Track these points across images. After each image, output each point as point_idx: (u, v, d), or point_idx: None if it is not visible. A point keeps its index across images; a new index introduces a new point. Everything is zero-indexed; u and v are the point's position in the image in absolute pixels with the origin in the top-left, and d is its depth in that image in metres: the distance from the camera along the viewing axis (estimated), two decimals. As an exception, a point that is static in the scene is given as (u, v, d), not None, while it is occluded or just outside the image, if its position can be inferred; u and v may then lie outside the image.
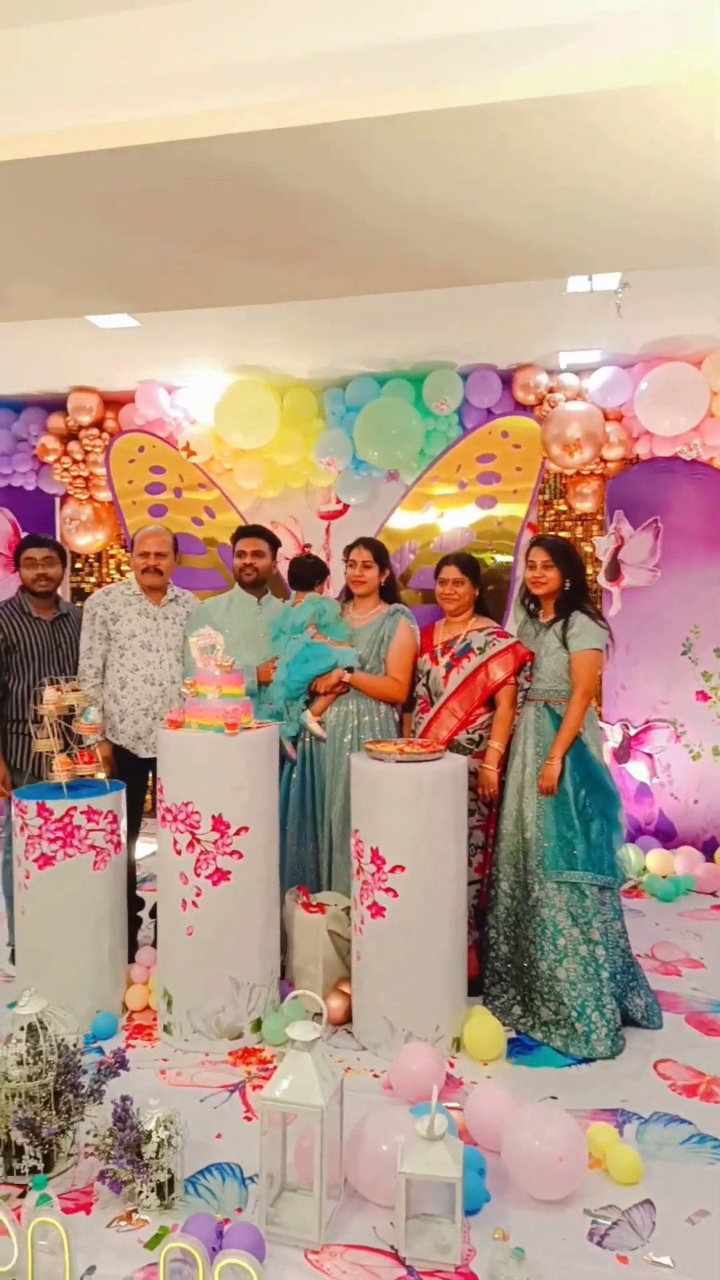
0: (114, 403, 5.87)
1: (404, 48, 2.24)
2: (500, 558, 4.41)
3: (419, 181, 2.63)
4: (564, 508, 5.71)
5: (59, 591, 3.98)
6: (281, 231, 3.00)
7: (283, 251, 3.18)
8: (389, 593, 3.92)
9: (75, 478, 5.91)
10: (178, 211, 2.83)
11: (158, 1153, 2.32)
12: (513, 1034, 3.29)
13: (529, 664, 3.52)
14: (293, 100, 2.32)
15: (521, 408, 5.32)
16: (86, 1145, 2.50)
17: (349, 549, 3.88)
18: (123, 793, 3.50)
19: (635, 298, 3.99)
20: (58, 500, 6.22)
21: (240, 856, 3.17)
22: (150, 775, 3.82)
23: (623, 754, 5.41)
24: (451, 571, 3.69)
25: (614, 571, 5.38)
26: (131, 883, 3.79)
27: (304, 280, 3.51)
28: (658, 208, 2.82)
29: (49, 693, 3.39)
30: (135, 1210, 2.33)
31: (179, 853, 3.17)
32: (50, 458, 5.88)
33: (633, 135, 2.38)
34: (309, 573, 3.93)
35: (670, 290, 4.08)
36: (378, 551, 3.83)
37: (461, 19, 2.20)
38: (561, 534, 5.66)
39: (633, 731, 5.43)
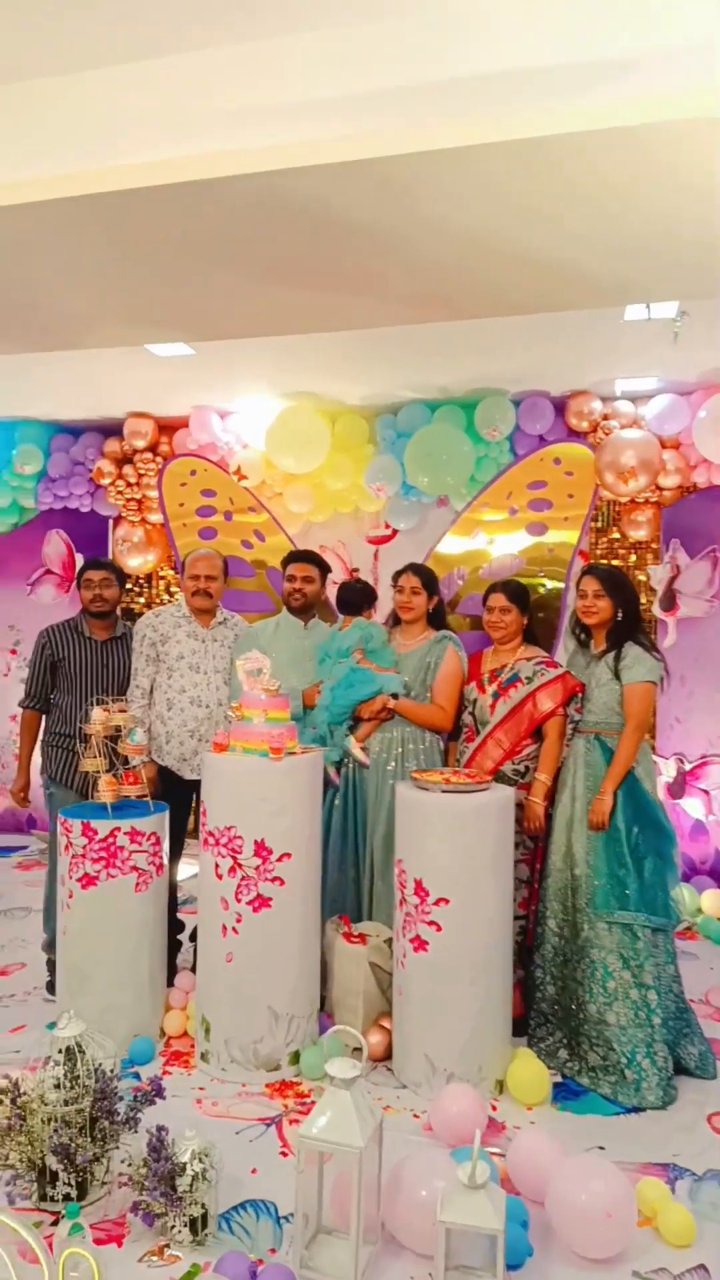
0: (168, 427, 5.95)
1: (459, 83, 2.26)
2: (550, 584, 4.34)
3: (475, 213, 2.64)
4: (618, 535, 5.63)
5: (118, 614, 4.04)
6: (341, 263, 3.02)
7: (342, 282, 3.20)
8: (437, 619, 3.87)
9: (129, 500, 5.99)
10: (240, 244, 2.87)
11: (192, 1186, 2.27)
12: (558, 1078, 3.18)
13: (579, 695, 3.44)
14: (351, 135, 2.34)
15: (575, 434, 5.26)
16: (120, 1174, 2.46)
17: (397, 575, 3.85)
18: (166, 815, 3.49)
19: (694, 325, 3.93)
20: (111, 522, 6.31)
21: (282, 883, 3.12)
22: (194, 797, 3.81)
23: (677, 789, 5.27)
24: (499, 599, 3.63)
25: (669, 601, 5.27)
26: (173, 905, 3.78)
27: (363, 310, 3.53)
28: (713, 238, 2.78)
29: (96, 713, 3.42)
30: (167, 1245, 2.28)
31: (220, 877, 3.14)
32: (105, 481, 5.97)
33: (687, 166, 2.35)
34: (357, 597, 3.90)
35: (731, 317, 4.01)
36: (426, 578, 3.79)
37: (516, 54, 2.21)
38: (615, 562, 5.57)
39: (688, 766, 5.28)
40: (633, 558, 5.63)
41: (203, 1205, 2.28)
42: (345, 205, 2.59)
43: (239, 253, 2.95)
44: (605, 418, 5.24)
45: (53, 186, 2.59)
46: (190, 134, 2.46)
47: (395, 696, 3.65)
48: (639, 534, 5.49)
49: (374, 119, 2.33)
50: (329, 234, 2.78)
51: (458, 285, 3.23)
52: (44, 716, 3.96)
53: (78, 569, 4.03)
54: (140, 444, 5.88)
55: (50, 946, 3.82)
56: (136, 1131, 2.44)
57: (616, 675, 3.27)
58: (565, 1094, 3.10)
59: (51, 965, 3.79)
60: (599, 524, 5.64)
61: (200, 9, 2.23)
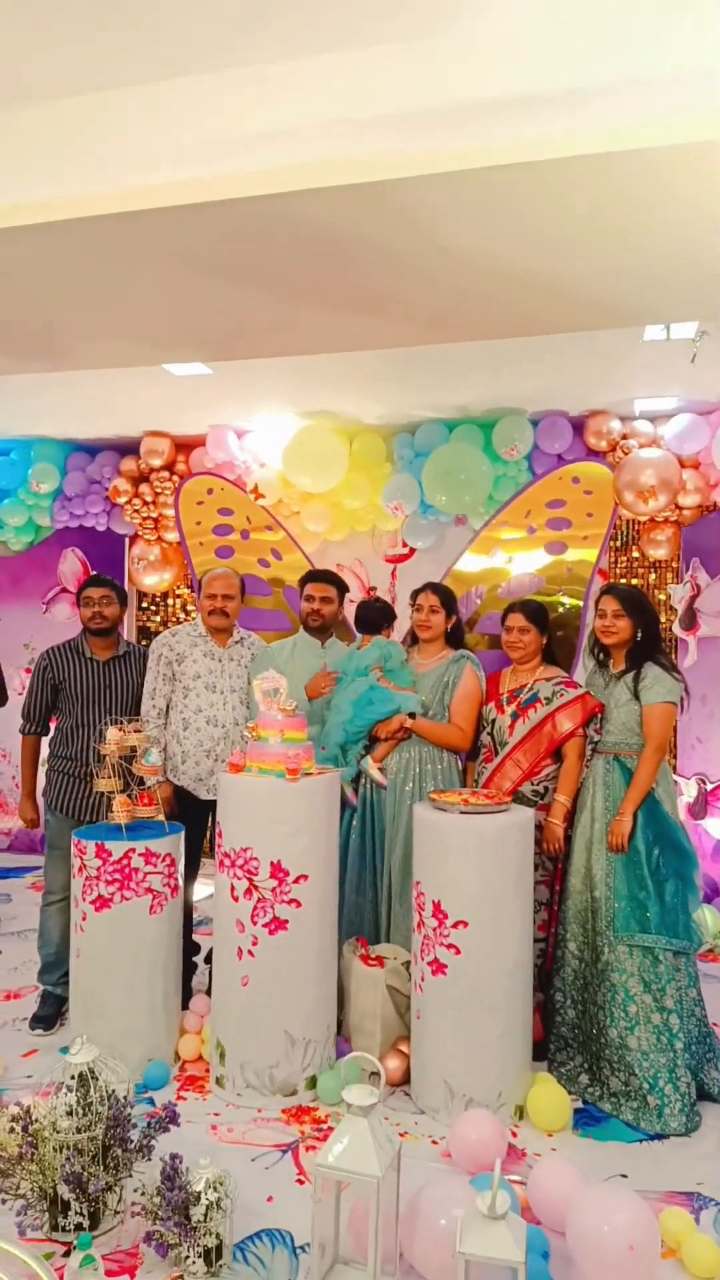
0: (185, 446, 5.98)
1: (471, 106, 2.25)
2: (568, 601, 4.31)
3: (488, 235, 2.64)
4: (637, 554, 5.60)
5: (121, 632, 4.01)
6: (356, 283, 3.03)
7: (358, 302, 3.21)
8: (455, 638, 3.85)
9: (145, 519, 6.00)
10: (256, 264, 2.88)
11: (206, 1215, 2.23)
12: (579, 1104, 3.13)
13: (598, 716, 3.40)
14: (366, 157, 2.35)
15: (593, 454, 5.24)
16: (133, 1204, 2.43)
17: (415, 594, 3.83)
18: (181, 836, 3.47)
19: (714, 344, 3.91)
20: (127, 540, 6.33)
21: (299, 905, 3.09)
22: (210, 817, 3.79)
23: (698, 810, 5.21)
24: (518, 619, 3.60)
25: (690, 620, 5.22)
26: (188, 927, 3.75)
27: (378, 330, 3.53)
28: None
29: (111, 733, 3.40)
30: (181, 1276, 2.24)
31: (236, 899, 3.11)
32: (122, 499, 5.99)
33: (700, 189, 2.34)
34: (377, 616, 3.89)
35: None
36: (445, 597, 3.77)
37: (530, 76, 2.21)
38: (634, 581, 5.55)
39: (709, 786, 5.22)
40: (652, 576, 5.60)
41: (217, 1235, 2.25)
42: (361, 226, 2.59)
43: (256, 273, 2.96)
44: (624, 437, 5.22)
45: (69, 207, 2.60)
46: (207, 155, 2.47)
47: (413, 716, 3.63)
48: (659, 553, 5.45)
49: (388, 141, 2.33)
50: (345, 255, 2.79)
51: (473, 306, 3.23)
52: (46, 740, 3.93)
53: (79, 587, 3.97)
54: (157, 463, 5.90)
55: (41, 974, 3.79)
56: (150, 1159, 2.40)
57: (636, 695, 3.24)
58: (586, 1120, 3.04)
59: (45, 996, 3.75)
60: (618, 543, 5.61)
61: (219, 32, 2.24)
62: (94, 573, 5.98)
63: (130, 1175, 2.41)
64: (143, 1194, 2.32)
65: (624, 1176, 2.71)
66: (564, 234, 2.62)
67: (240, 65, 2.38)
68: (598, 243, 2.67)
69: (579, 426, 5.31)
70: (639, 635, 3.33)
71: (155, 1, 2.11)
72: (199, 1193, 2.25)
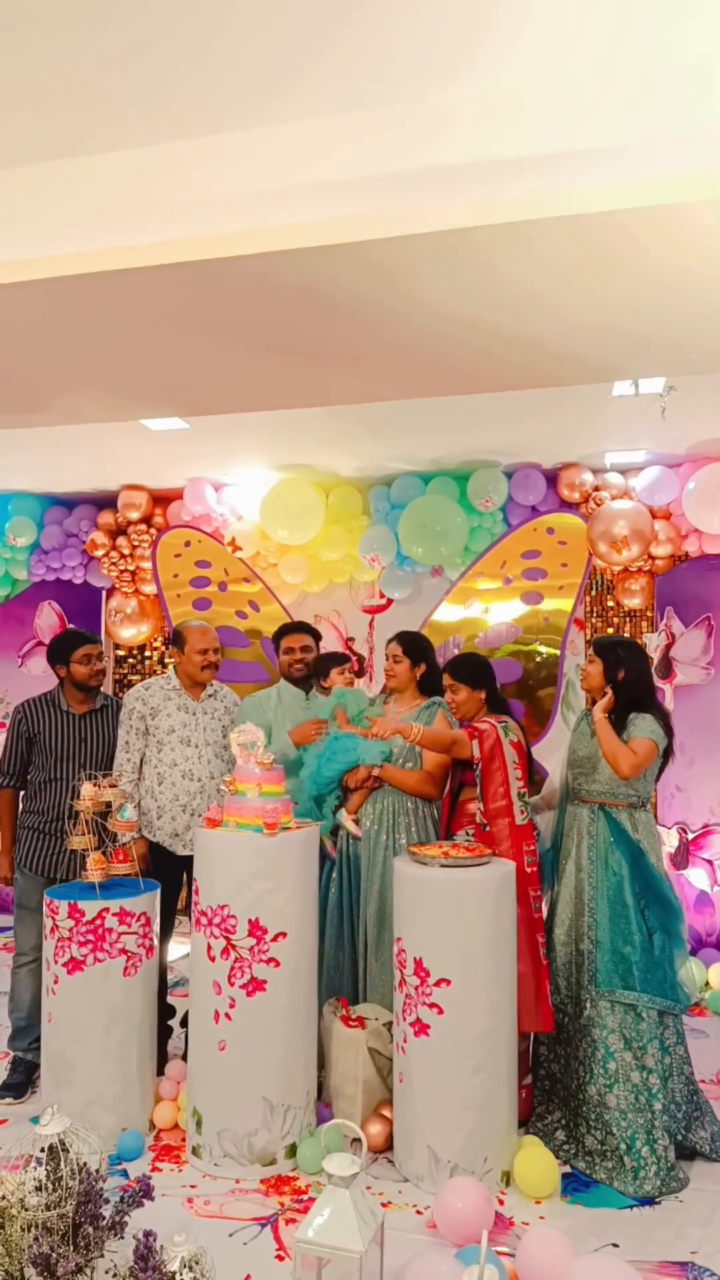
0: (163, 499, 5.99)
1: (449, 168, 2.32)
2: (545, 650, 4.33)
3: (464, 294, 2.70)
4: (612, 604, 5.65)
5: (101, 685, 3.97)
6: (336, 341, 3.08)
7: (337, 359, 3.26)
8: (428, 686, 3.83)
9: (122, 572, 5.99)
10: (237, 322, 2.92)
11: (181, 1298, 2.13)
12: (566, 1168, 3.04)
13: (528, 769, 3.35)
14: (345, 218, 2.40)
15: (566, 505, 5.31)
16: (105, 1286, 2.31)
17: (387, 645, 3.84)
18: (156, 894, 3.39)
19: (681, 399, 3.99)
20: (104, 593, 6.30)
21: (277, 965, 3.02)
22: (186, 873, 3.71)
23: (680, 860, 5.17)
24: (446, 678, 3.55)
25: (666, 669, 5.25)
26: (163, 989, 3.64)
27: (356, 386, 3.58)
28: (692, 320, 2.85)
29: (86, 788, 3.33)
30: None
31: (213, 959, 3.04)
32: (99, 552, 5.98)
33: (668, 250, 2.42)
34: (323, 664, 3.95)
35: (717, 391, 4.08)
36: (408, 645, 3.76)
37: (505, 141, 2.27)
38: (609, 630, 5.60)
39: (690, 836, 5.20)
40: (627, 625, 5.65)
41: (193, 1318, 2.14)
42: (339, 285, 2.64)
43: (236, 331, 3.00)
44: (596, 489, 5.29)
45: (53, 266, 2.63)
46: (188, 216, 2.51)
47: (382, 765, 3.60)
48: (633, 602, 5.50)
49: (366, 202, 2.38)
50: (324, 313, 2.84)
51: (448, 363, 3.29)
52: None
53: (67, 642, 3.82)
54: (134, 516, 5.90)
55: (11, 1040, 3.67)
56: (123, 1237, 2.30)
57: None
58: (575, 1185, 2.96)
59: (15, 1062, 3.63)
60: (593, 592, 5.67)
61: (201, 96, 2.29)
62: (75, 628, 5.91)
63: (101, 1255, 2.30)
64: (115, 1275, 2.21)
65: (615, 1246, 2.63)
66: (538, 293, 2.68)
67: (223, 129, 2.43)
68: (569, 302, 2.73)
69: (552, 479, 5.38)
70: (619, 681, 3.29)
71: (137, 66, 2.15)
72: (174, 1273, 2.15)
